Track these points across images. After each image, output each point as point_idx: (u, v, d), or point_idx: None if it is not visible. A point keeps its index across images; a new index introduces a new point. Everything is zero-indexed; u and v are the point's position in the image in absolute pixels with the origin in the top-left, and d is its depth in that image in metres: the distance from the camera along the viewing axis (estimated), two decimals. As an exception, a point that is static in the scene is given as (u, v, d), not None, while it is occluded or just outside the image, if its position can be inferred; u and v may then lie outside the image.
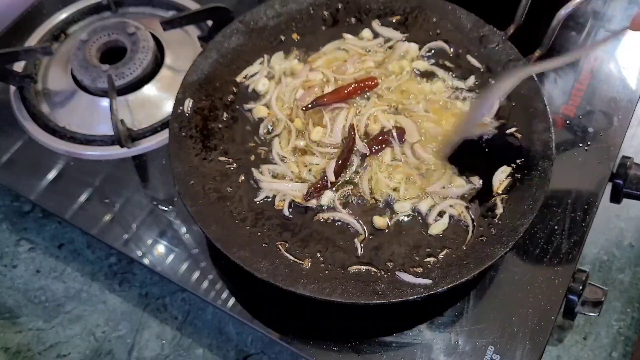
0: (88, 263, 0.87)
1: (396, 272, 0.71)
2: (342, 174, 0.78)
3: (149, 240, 0.81)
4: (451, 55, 0.88)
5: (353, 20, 0.93)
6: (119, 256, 0.87)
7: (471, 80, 0.86)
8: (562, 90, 0.91)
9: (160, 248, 0.80)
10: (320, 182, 0.77)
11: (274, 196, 0.78)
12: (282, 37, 0.91)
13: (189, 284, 0.77)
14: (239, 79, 0.88)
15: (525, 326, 0.71)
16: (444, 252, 0.73)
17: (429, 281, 0.69)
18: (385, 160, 0.80)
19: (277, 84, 0.88)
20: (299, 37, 0.92)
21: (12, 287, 0.85)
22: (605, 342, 0.79)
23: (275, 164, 0.80)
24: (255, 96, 0.87)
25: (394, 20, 0.92)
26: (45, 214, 0.91)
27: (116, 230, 0.81)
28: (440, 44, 0.89)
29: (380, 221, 0.76)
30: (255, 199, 0.78)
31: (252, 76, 0.89)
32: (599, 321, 0.80)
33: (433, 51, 0.89)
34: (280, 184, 0.78)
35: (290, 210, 0.77)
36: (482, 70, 0.87)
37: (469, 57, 0.88)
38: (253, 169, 0.80)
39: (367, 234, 0.75)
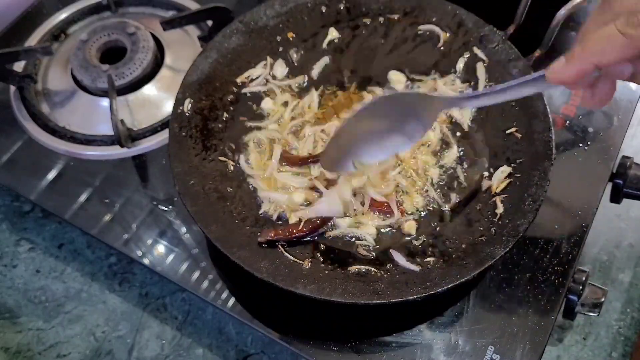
0: (88, 263, 0.87)
1: (390, 251, 0.72)
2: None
3: (149, 240, 0.81)
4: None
5: (352, 19, 0.93)
6: (119, 256, 0.87)
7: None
8: (562, 90, 0.90)
9: (160, 248, 0.80)
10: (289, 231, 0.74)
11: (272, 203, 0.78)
12: (279, 38, 0.91)
13: (189, 284, 0.77)
14: (239, 80, 0.88)
15: (525, 326, 0.71)
16: (444, 252, 0.73)
17: (419, 266, 0.70)
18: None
19: (280, 109, 0.86)
20: (294, 36, 0.92)
21: (12, 287, 0.85)
22: (605, 342, 0.79)
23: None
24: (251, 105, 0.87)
25: (395, 18, 0.92)
26: (45, 214, 0.91)
27: (116, 230, 0.81)
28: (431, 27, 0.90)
29: (409, 226, 0.76)
30: (260, 212, 0.77)
31: (253, 80, 0.88)
32: (599, 321, 0.80)
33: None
34: (277, 195, 0.78)
35: (281, 222, 0.76)
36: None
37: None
38: (248, 179, 0.80)
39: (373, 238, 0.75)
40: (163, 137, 0.88)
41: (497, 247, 0.70)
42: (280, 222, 0.77)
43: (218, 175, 0.80)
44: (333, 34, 0.92)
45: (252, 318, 0.74)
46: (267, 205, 0.78)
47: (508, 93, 0.61)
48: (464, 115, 0.83)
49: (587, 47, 0.51)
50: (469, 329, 0.72)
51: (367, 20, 0.93)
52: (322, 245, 0.75)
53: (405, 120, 0.70)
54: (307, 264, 0.73)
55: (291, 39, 0.92)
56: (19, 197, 0.92)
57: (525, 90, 0.60)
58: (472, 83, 0.86)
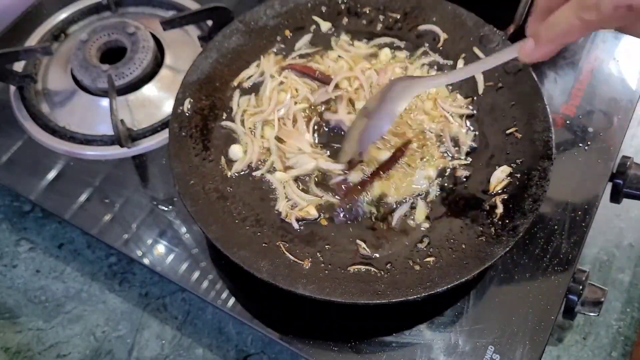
0: (88, 263, 0.87)
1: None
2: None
3: (149, 240, 0.81)
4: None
5: (352, 18, 0.93)
6: (119, 256, 0.87)
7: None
8: (562, 90, 0.91)
9: (160, 248, 0.80)
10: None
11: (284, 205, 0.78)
12: (279, 38, 0.91)
13: (189, 284, 0.77)
14: (236, 81, 0.88)
15: (525, 326, 0.71)
16: (444, 252, 0.73)
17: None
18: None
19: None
20: (291, 35, 0.92)
21: (12, 287, 0.85)
22: (605, 342, 0.79)
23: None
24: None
25: (398, 17, 0.92)
26: (45, 214, 0.91)
27: (116, 230, 0.81)
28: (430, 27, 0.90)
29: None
30: (276, 207, 0.77)
31: (249, 78, 0.88)
32: (599, 321, 0.80)
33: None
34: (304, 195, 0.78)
35: (300, 224, 0.76)
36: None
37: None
38: (278, 173, 0.80)
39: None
40: (163, 137, 0.88)
41: (497, 247, 0.70)
42: (300, 226, 0.76)
43: (218, 175, 0.80)
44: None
45: (252, 318, 0.74)
46: (282, 203, 0.78)
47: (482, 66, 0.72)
48: (466, 138, 0.83)
49: (551, 30, 0.56)
50: (469, 329, 0.72)
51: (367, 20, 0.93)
52: (325, 245, 0.75)
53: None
54: (307, 264, 0.73)
55: (288, 37, 0.92)
56: (19, 197, 0.92)
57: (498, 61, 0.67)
58: (474, 98, 0.86)
